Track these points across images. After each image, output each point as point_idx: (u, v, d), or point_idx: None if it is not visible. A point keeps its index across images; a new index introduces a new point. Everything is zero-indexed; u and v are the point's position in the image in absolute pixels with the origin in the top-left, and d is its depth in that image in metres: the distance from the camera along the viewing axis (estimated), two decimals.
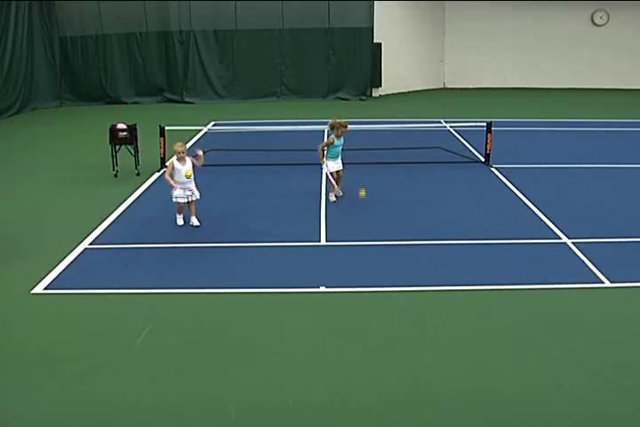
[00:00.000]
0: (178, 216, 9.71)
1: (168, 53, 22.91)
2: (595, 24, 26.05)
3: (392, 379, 5.74)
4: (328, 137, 10.74)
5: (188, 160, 9.46)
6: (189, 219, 9.64)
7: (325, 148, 10.64)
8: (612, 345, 6.30)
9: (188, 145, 15.31)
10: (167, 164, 9.49)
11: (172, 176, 9.41)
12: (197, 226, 9.52)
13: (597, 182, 12.03)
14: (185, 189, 9.44)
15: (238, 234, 9.36)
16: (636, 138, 16.23)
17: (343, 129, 10.53)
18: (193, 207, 9.62)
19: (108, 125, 12.76)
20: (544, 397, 5.44)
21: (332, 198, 10.86)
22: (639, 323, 6.77)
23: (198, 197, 9.61)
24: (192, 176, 9.42)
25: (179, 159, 9.42)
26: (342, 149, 10.77)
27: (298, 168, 12.82)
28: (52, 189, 11.93)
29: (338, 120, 10.64)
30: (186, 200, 9.51)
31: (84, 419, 5.22)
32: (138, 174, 12.58)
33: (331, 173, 10.77)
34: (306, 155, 13.47)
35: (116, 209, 10.49)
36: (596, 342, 6.38)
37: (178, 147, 9.42)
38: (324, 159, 10.66)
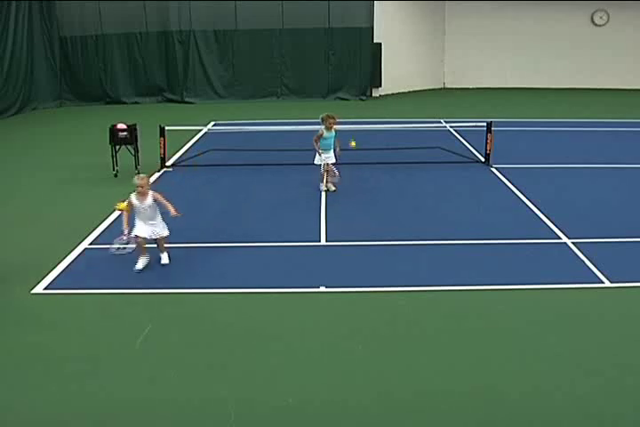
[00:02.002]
0: (140, 259, 8.13)
1: (168, 53, 22.92)
2: (595, 24, 26.04)
3: (392, 379, 5.74)
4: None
5: (150, 196, 7.98)
6: (158, 257, 8.28)
7: (317, 140, 11.11)
8: (612, 345, 6.30)
9: (189, 145, 15.35)
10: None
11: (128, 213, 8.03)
12: (166, 264, 8.20)
13: (597, 182, 12.03)
14: (148, 223, 8.04)
15: (238, 234, 9.35)
16: (636, 138, 16.22)
17: (331, 121, 11.02)
18: (161, 242, 8.25)
19: (108, 125, 12.76)
20: (544, 397, 5.44)
21: (323, 188, 11.31)
22: (639, 323, 6.78)
23: (165, 233, 8.18)
24: (128, 212, 7.98)
25: (138, 193, 7.98)
26: (334, 142, 11.24)
27: (298, 168, 12.81)
28: (52, 189, 11.93)
29: (327, 113, 11.16)
30: (147, 236, 8.06)
31: (83, 419, 5.22)
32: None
33: (327, 164, 11.20)
34: (306, 155, 13.46)
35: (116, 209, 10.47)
36: (596, 342, 6.38)
37: (138, 180, 8.00)
38: (320, 150, 11.11)
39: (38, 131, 18.18)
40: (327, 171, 11.16)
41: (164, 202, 8.09)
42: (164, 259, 8.27)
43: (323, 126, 11.08)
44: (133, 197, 8.01)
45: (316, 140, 11.10)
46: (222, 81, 23.22)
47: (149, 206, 7.98)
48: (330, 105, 21.83)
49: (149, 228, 8.04)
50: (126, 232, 7.91)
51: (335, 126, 11.14)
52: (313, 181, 11.76)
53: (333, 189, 11.33)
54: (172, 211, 7.97)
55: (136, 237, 7.99)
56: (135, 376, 5.80)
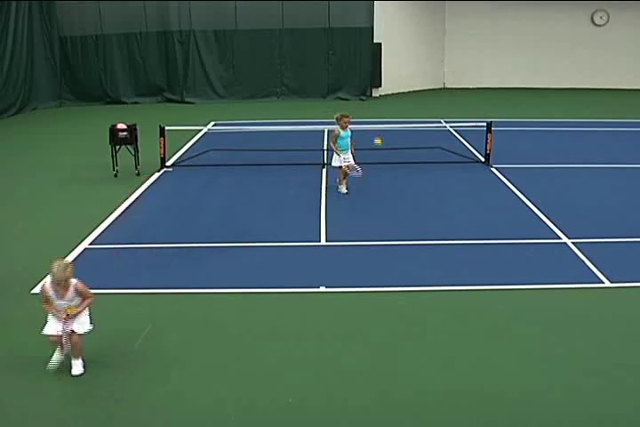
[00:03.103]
0: (54, 357, 5.89)
1: (168, 53, 22.91)
2: (595, 24, 26.03)
3: (392, 379, 5.74)
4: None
5: (72, 290, 5.75)
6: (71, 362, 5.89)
7: (335, 141, 11.01)
8: (612, 345, 6.30)
9: (189, 145, 15.33)
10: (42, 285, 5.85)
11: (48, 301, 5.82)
12: (79, 375, 5.81)
13: (597, 182, 12.02)
14: (60, 316, 5.78)
15: (238, 234, 9.35)
16: (636, 138, 16.22)
17: (346, 119, 10.97)
18: (78, 343, 5.84)
19: (108, 125, 12.76)
20: (544, 397, 5.44)
21: (343, 190, 11.20)
22: (639, 323, 6.77)
23: (83, 329, 5.84)
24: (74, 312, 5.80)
25: (57, 285, 5.70)
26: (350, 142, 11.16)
27: (298, 168, 12.82)
28: (52, 189, 11.93)
29: (341, 113, 11.10)
30: (56, 332, 5.78)
31: (82, 419, 5.22)
32: (138, 174, 12.58)
33: (339, 167, 11.12)
34: (306, 155, 13.48)
35: (116, 209, 10.49)
36: (595, 342, 6.38)
37: (57, 271, 5.62)
38: (338, 151, 11.01)
39: (38, 131, 18.18)
40: (347, 172, 11.07)
41: (86, 298, 5.88)
42: (76, 368, 5.84)
43: (338, 126, 11.00)
44: (48, 286, 5.75)
45: (333, 142, 11.05)
46: (222, 81, 23.21)
47: (70, 301, 5.78)
48: (330, 105, 21.84)
49: (58, 323, 5.79)
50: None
51: (350, 126, 11.08)
52: (313, 181, 11.77)
53: (345, 191, 11.24)
54: (74, 310, 5.77)
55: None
56: (135, 376, 5.80)
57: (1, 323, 6.86)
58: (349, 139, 11.11)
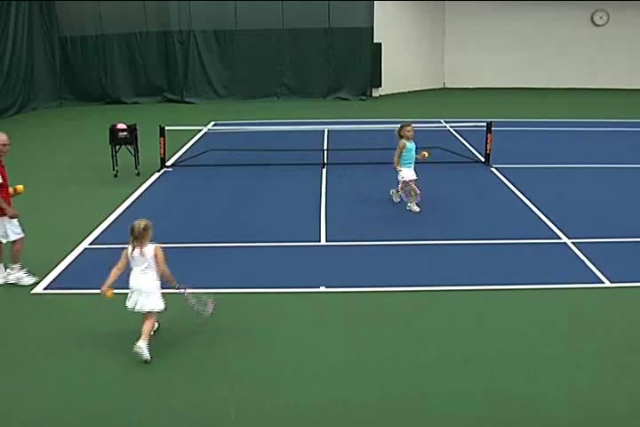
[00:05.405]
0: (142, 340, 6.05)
1: (168, 53, 22.93)
2: (595, 24, 26.04)
3: (392, 379, 5.74)
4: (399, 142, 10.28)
5: (151, 246, 6.29)
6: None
7: (399, 154, 10.18)
8: (612, 345, 6.31)
9: (189, 145, 15.33)
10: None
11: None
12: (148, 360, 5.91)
13: (597, 182, 12.02)
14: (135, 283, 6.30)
15: (238, 234, 9.35)
16: (637, 138, 16.22)
17: (408, 128, 10.18)
18: (149, 321, 6.22)
19: (108, 125, 12.77)
20: (544, 397, 5.44)
21: (415, 208, 10.19)
22: (639, 323, 6.77)
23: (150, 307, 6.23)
24: None
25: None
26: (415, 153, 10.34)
27: (298, 168, 12.82)
28: (53, 189, 11.93)
29: (402, 123, 10.39)
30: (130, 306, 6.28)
31: (83, 418, 5.22)
32: (138, 174, 12.58)
33: (405, 182, 10.23)
34: (306, 155, 13.49)
35: (116, 209, 10.49)
36: (596, 342, 6.38)
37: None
38: (399, 167, 10.22)
39: (38, 131, 18.18)
40: (411, 190, 10.10)
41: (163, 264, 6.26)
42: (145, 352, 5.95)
43: (403, 140, 10.14)
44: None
45: (397, 156, 10.15)
46: (222, 81, 23.22)
47: (149, 258, 6.24)
48: (330, 105, 21.87)
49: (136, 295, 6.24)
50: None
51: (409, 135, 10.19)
52: (313, 181, 11.75)
53: (417, 209, 10.19)
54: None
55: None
56: (135, 377, 5.80)
57: (1, 323, 6.85)
58: (415, 151, 10.29)
